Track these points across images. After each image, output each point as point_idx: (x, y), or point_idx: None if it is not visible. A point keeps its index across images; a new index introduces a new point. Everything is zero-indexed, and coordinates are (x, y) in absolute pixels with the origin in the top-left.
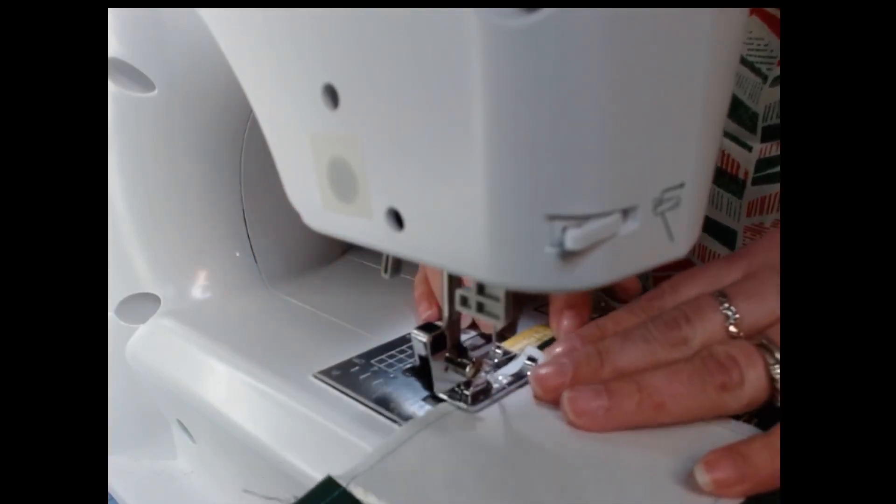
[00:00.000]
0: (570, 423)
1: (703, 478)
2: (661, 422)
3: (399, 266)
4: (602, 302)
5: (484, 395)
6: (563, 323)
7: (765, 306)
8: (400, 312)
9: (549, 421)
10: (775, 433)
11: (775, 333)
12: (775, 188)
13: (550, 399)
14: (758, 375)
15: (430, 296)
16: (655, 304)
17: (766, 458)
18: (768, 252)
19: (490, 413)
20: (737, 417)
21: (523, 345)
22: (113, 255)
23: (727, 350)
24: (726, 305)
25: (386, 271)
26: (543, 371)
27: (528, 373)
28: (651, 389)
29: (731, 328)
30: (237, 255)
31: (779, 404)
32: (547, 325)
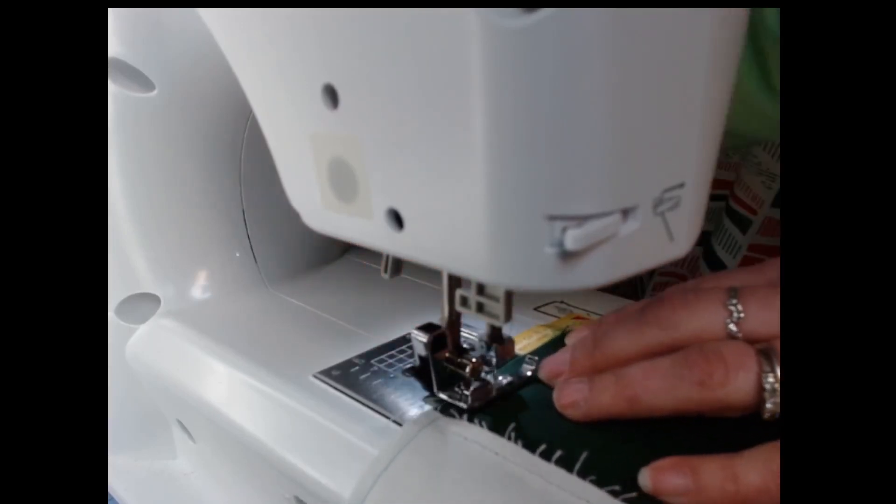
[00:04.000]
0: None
1: (644, 481)
2: (638, 415)
3: (399, 266)
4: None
5: (483, 395)
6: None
7: (776, 314)
8: (400, 312)
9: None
10: (739, 457)
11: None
12: None
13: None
14: (747, 380)
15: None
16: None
17: (716, 479)
18: None
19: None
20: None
21: (523, 345)
22: (113, 255)
23: (718, 347)
24: (734, 302)
25: (386, 271)
26: (548, 359)
27: (528, 372)
28: (627, 382)
29: (732, 326)
30: (237, 255)
31: (765, 416)
32: (547, 325)
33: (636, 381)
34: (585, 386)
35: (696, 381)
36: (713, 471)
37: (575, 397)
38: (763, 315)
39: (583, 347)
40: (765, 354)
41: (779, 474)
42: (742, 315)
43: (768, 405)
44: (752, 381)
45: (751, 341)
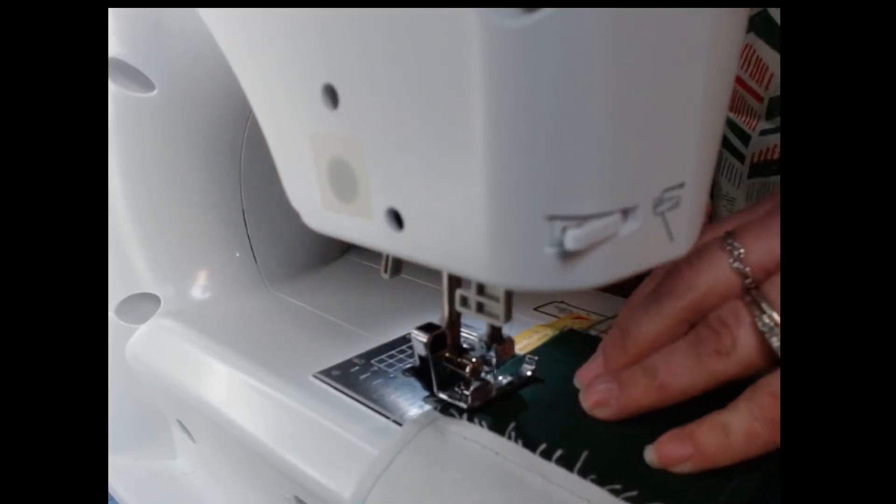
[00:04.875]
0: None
1: (650, 457)
2: (669, 402)
3: (399, 266)
4: None
5: (483, 395)
6: None
7: (774, 241)
8: (400, 312)
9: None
10: (724, 410)
11: (773, 283)
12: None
13: None
14: (747, 334)
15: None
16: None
17: (710, 437)
18: None
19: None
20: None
21: (523, 345)
22: (113, 255)
23: (718, 314)
24: (730, 241)
25: (386, 271)
26: (581, 369)
27: (528, 372)
28: (653, 371)
29: (736, 265)
30: (237, 255)
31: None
32: (547, 325)
33: (661, 368)
34: (614, 384)
35: (712, 353)
36: (706, 430)
37: (604, 396)
38: (762, 244)
39: (612, 344)
40: (752, 300)
41: (761, 416)
42: (742, 251)
43: (775, 345)
44: (751, 330)
45: (762, 274)
